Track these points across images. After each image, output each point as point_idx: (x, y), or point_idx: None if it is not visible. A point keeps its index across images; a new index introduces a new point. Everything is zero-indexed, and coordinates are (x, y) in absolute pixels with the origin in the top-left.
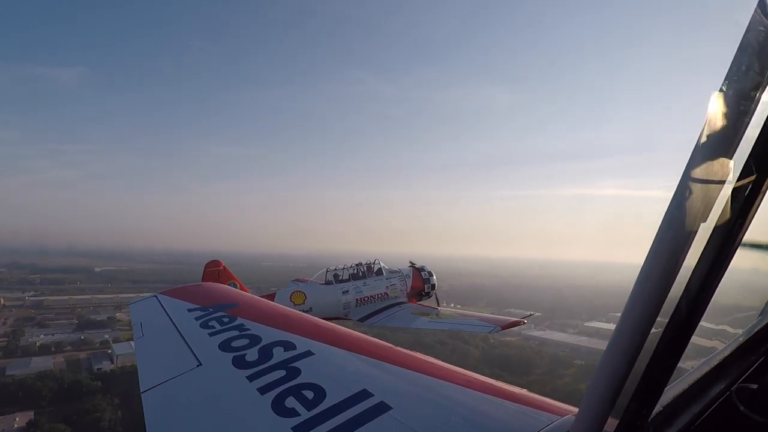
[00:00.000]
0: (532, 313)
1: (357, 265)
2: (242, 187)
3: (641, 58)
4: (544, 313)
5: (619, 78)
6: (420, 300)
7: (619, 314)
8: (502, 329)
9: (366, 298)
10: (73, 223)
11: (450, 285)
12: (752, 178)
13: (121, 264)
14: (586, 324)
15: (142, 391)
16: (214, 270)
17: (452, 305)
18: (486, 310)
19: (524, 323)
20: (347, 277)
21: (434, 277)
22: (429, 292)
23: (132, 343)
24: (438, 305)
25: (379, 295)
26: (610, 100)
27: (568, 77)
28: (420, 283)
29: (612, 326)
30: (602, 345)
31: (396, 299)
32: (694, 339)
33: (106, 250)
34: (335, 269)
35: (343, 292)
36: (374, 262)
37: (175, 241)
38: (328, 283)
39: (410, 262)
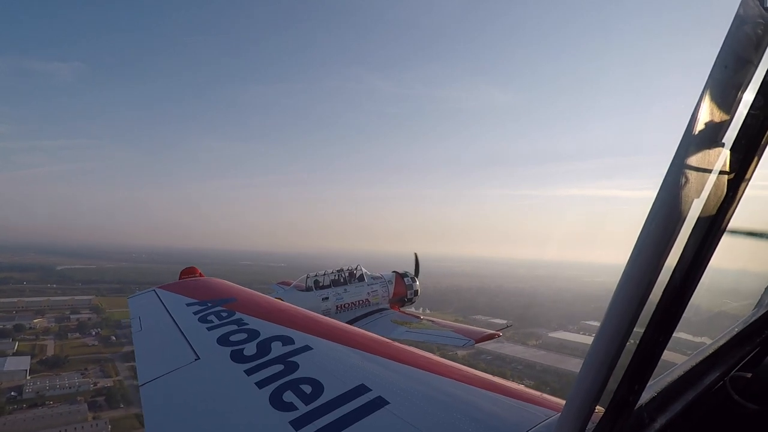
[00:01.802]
0: (508, 324)
1: (338, 270)
2: (233, 184)
3: (638, 59)
4: (511, 320)
5: (615, 80)
6: (403, 306)
7: (594, 322)
8: (476, 342)
9: (346, 305)
10: (58, 219)
11: (423, 287)
12: (734, 172)
13: (92, 262)
14: (550, 335)
15: (140, 384)
16: (191, 277)
17: (420, 310)
18: (451, 317)
19: (499, 336)
20: (328, 283)
21: (417, 283)
22: (412, 299)
23: (7, 359)
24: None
25: (360, 302)
26: (606, 101)
27: (564, 78)
28: (403, 289)
29: (580, 336)
30: (559, 361)
31: (377, 306)
32: (684, 332)
33: (83, 246)
34: (315, 275)
35: (322, 299)
36: (356, 268)
37: (156, 238)
38: (308, 289)
39: (415, 254)
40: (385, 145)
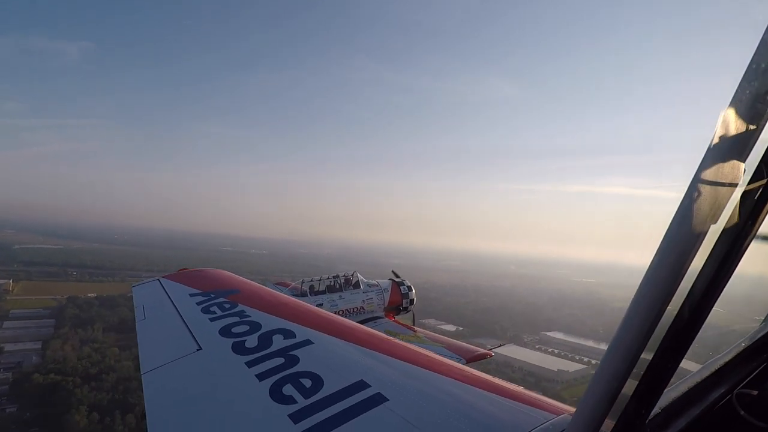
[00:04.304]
0: (501, 343)
1: (334, 276)
2: (231, 170)
3: (654, 58)
4: (466, 327)
5: (630, 76)
6: (398, 314)
7: (558, 334)
8: (468, 362)
9: (340, 312)
10: (51, 197)
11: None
12: (763, 181)
13: (63, 242)
14: (496, 350)
15: (142, 372)
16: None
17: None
18: (402, 319)
19: (492, 356)
20: (323, 289)
21: (413, 292)
22: (407, 307)
23: None
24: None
25: (355, 309)
26: (619, 98)
27: (577, 73)
28: (398, 297)
29: (529, 353)
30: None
31: (372, 313)
32: (695, 345)
33: (65, 226)
34: (311, 280)
35: (316, 305)
36: (352, 275)
37: (144, 219)
38: (302, 294)
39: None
40: (389, 137)
